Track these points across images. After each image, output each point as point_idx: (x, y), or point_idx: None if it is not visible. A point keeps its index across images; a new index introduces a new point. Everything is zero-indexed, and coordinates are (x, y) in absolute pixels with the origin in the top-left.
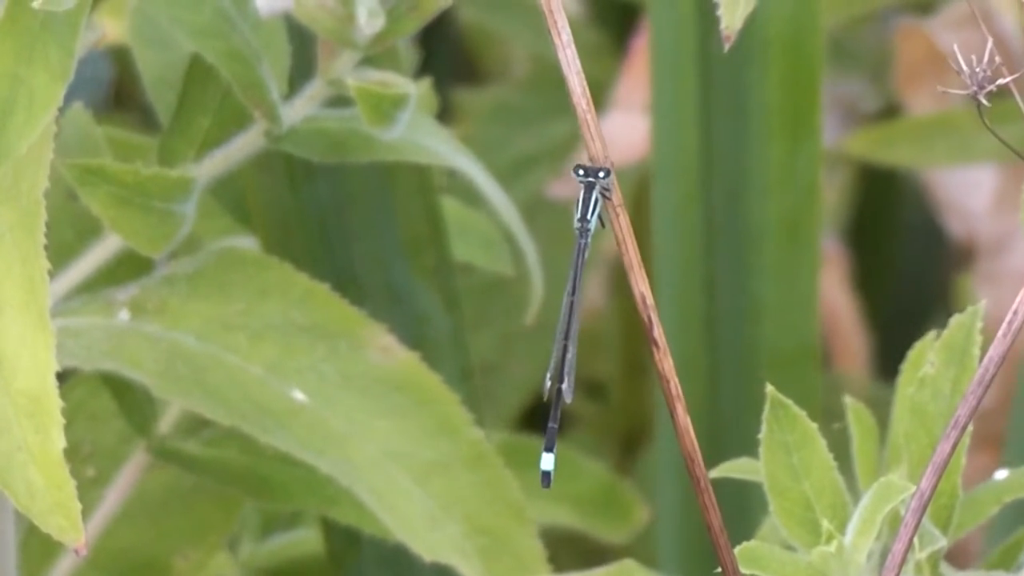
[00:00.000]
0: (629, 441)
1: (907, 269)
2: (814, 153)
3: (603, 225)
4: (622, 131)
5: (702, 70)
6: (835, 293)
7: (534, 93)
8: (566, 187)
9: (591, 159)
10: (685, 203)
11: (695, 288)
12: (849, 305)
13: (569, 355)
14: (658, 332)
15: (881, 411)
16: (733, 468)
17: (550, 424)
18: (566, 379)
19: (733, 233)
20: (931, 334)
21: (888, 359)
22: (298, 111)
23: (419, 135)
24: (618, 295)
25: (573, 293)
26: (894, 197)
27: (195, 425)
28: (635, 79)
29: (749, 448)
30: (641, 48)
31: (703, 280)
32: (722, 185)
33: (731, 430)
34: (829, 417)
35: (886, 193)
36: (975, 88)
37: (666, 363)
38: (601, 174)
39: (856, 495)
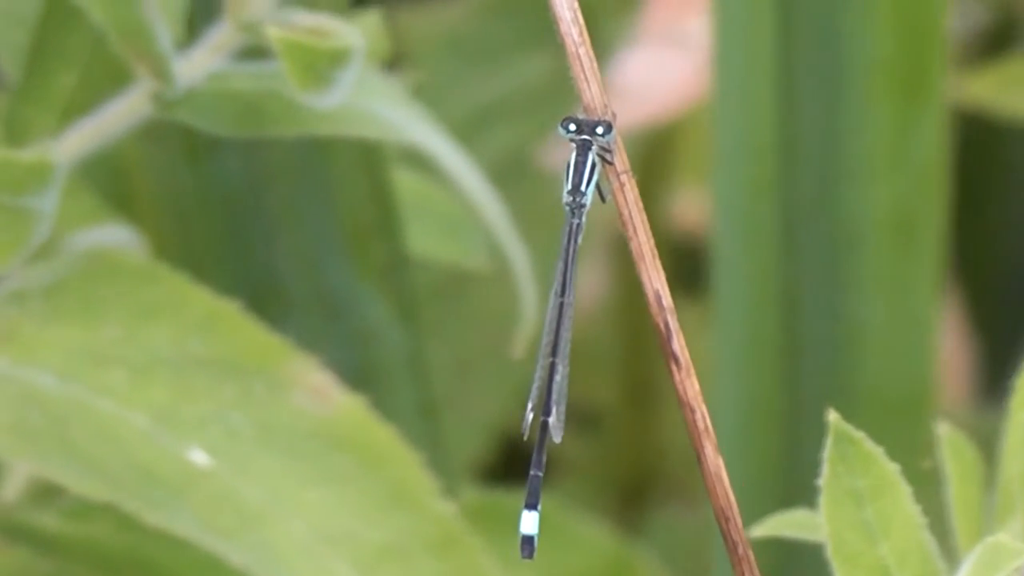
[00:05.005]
0: (632, 492)
1: (1021, 246)
2: (935, 121)
3: (603, 199)
4: (654, 72)
5: (781, 7)
6: None
7: (501, 17)
8: (555, 152)
9: (585, 110)
10: (756, 193)
11: (769, 307)
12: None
13: (558, 377)
14: (678, 344)
15: (989, 443)
16: (783, 525)
17: (533, 472)
18: (554, 410)
19: (823, 232)
20: None
21: (996, 372)
22: (198, 66)
23: (366, 99)
24: (620, 288)
25: (563, 293)
26: (999, 146)
27: (53, 491)
28: (665, 4)
29: None
30: None
31: (781, 296)
32: (808, 168)
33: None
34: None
35: (988, 141)
36: None
37: (689, 386)
38: (599, 130)
39: (953, 560)
